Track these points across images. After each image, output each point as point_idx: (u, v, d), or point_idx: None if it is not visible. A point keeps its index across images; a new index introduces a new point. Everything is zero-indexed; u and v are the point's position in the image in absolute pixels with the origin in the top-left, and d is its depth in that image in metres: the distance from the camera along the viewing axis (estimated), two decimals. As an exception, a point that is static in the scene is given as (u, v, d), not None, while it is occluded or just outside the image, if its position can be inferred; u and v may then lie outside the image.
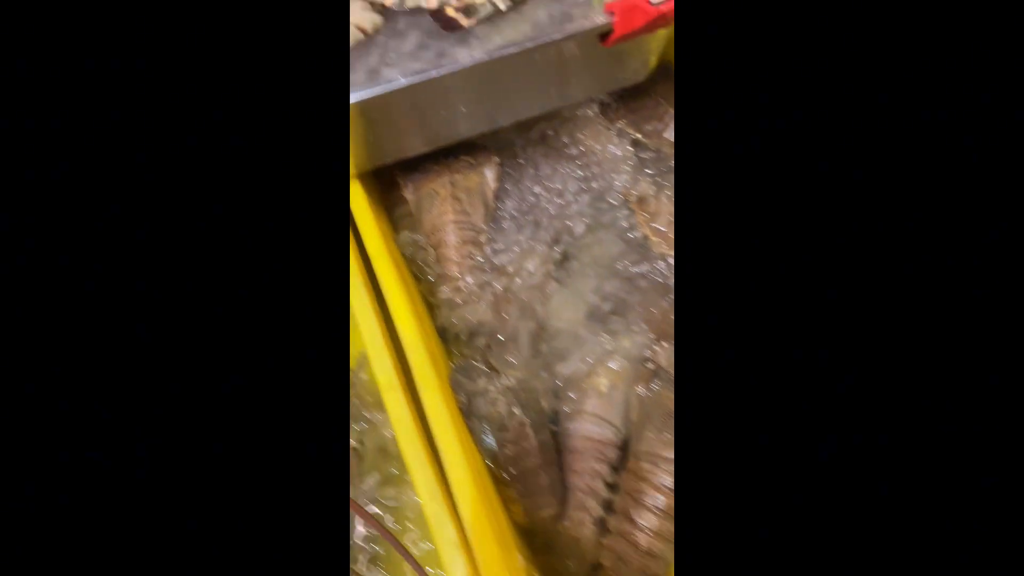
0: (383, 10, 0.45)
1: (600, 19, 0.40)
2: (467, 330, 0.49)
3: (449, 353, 0.49)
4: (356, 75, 0.42)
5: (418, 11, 0.45)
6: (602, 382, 0.45)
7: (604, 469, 0.43)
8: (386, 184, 0.54)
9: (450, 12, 0.44)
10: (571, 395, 0.45)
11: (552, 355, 0.47)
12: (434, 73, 0.39)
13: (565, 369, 0.46)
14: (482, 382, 0.44)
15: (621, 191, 0.54)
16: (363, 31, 0.44)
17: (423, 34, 0.44)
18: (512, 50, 0.40)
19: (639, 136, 0.56)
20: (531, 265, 0.50)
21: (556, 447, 0.44)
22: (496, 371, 0.45)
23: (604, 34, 0.41)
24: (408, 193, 0.53)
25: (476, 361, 0.45)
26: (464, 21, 0.44)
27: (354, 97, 0.39)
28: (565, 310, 0.49)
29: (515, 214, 0.53)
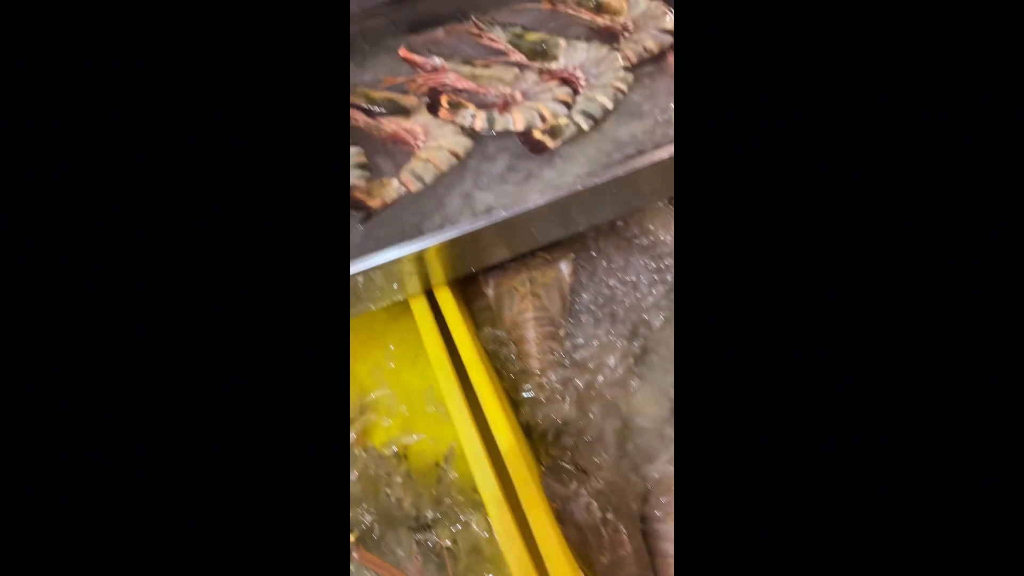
0: (473, 134, 0.48)
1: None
2: (553, 429, 0.50)
3: (536, 452, 0.50)
4: (451, 200, 0.45)
5: (506, 134, 0.48)
6: (691, 483, 0.45)
7: None
8: (467, 281, 0.57)
9: (537, 135, 0.47)
10: (661, 499, 0.45)
11: (638, 455, 0.48)
12: (519, 210, 0.42)
13: (653, 471, 0.47)
14: (573, 486, 0.46)
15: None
16: (456, 155, 0.47)
17: (511, 156, 0.47)
18: (596, 181, 0.42)
19: (708, 225, 0.58)
20: (611, 360, 0.52)
21: (649, 550, 0.45)
22: (586, 473, 0.47)
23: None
24: (488, 289, 0.56)
25: (564, 462, 0.47)
26: (550, 143, 0.47)
27: (450, 234, 0.41)
28: (648, 407, 0.50)
29: (592, 307, 0.55)
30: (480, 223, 0.41)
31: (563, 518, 0.44)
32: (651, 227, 0.59)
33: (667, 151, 0.42)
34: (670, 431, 0.48)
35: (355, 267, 0.41)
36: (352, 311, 0.46)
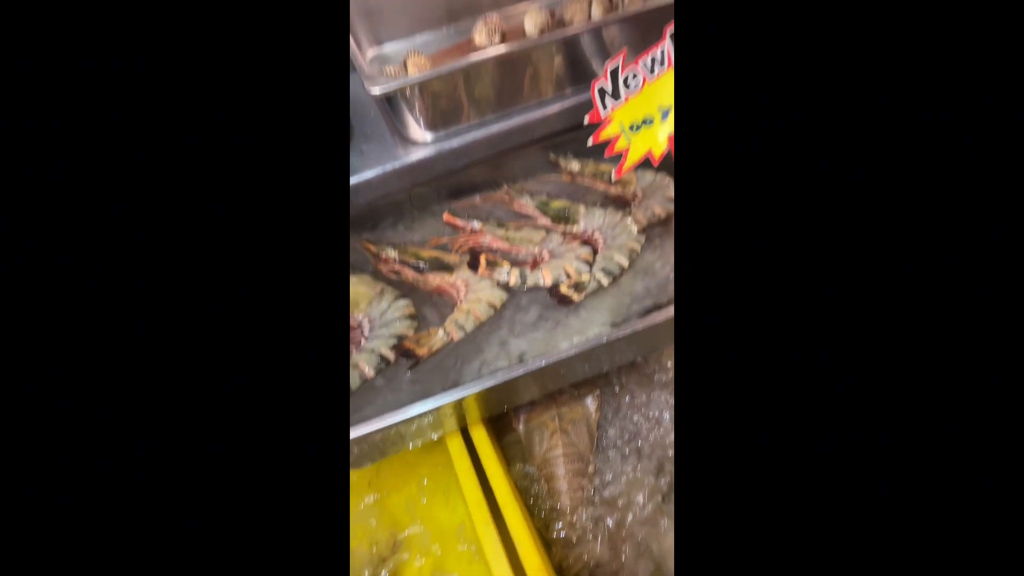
0: (508, 288, 0.55)
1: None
2: (586, 571, 0.50)
3: (570, 596, 0.50)
4: (489, 348, 0.51)
5: (536, 288, 0.55)
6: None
7: None
8: (498, 417, 0.60)
9: (563, 289, 0.54)
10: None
11: (674, 602, 0.48)
12: (552, 359, 0.47)
13: (690, 620, 0.46)
14: (610, 637, 0.45)
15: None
16: (493, 307, 0.54)
17: (541, 308, 0.53)
18: (619, 334, 0.47)
19: (723, 362, 0.62)
20: (640, 498, 0.53)
21: None
22: (621, 622, 0.46)
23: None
24: (519, 425, 0.59)
25: (599, 609, 0.47)
26: (575, 296, 0.54)
27: (488, 383, 0.46)
28: (680, 549, 0.50)
29: (618, 443, 0.58)
30: (516, 372, 0.46)
31: (601, 675, 0.43)
32: (669, 364, 0.63)
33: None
34: (704, 576, 0.48)
35: (401, 415, 0.45)
36: (392, 451, 0.50)
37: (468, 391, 0.45)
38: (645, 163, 0.52)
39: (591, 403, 0.59)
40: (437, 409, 0.45)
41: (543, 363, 0.46)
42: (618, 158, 0.48)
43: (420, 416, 0.45)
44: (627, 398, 0.61)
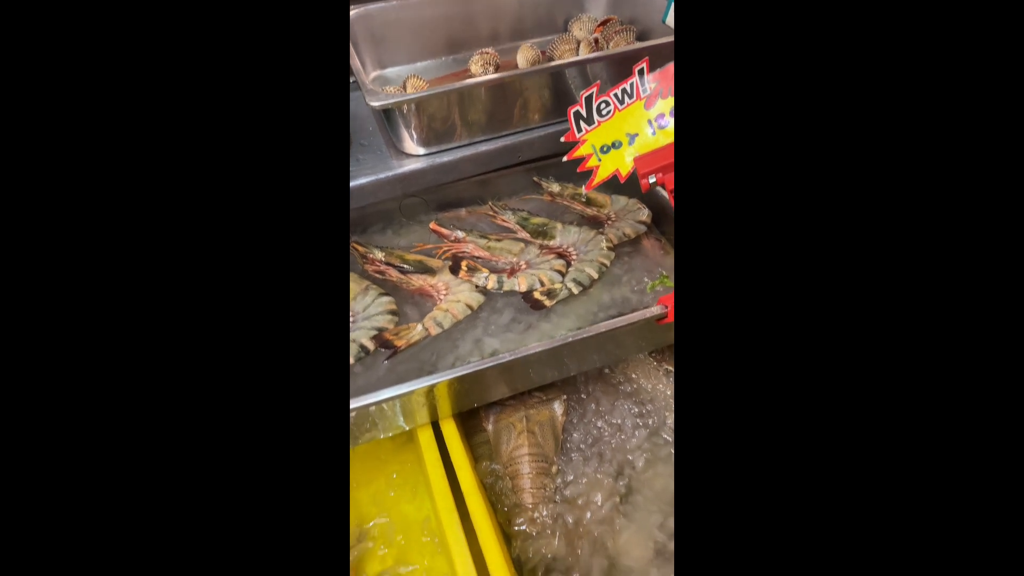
0: (485, 292, 0.59)
1: (656, 310, 0.53)
2: (543, 564, 0.52)
3: (526, 588, 0.52)
4: (464, 344, 0.54)
5: (512, 294, 0.59)
6: (675, 629, 0.47)
7: None
8: (469, 415, 0.63)
9: (537, 295, 0.58)
10: (647, 644, 0.46)
11: (625, 596, 0.50)
12: (519, 354, 0.50)
13: (639, 613, 0.48)
14: (561, 625, 0.47)
15: (672, 427, 0.61)
16: (470, 307, 0.57)
17: (515, 311, 0.57)
18: (583, 334, 0.51)
19: (684, 376, 0.66)
20: (599, 498, 0.56)
21: None
22: (573, 612, 0.48)
23: (659, 318, 0.54)
24: (488, 424, 0.62)
25: (553, 600, 0.48)
26: (547, 302, 0.58)
27: (460, 372, 0.49)
28: (634, 547, 0.53)
29: (581, 447, 0.61)
30: (486, 364, 0.49)
31: (550, 660, 0.44)
32: (634, 375, 0.67)
33: (642, 315, 0.52)
34: (655, 573, 0.51)
35: (375, 397, 0.48)
36: (365, 437, 0.52)
37: (439, 379, 0.48)
38: (619, 188, 0.57)
39: (558, 407, 0.63)
40: (409, 394, 0.48)
41: (510, 357, 0.49)
42: (589, 174, 0.53)
43: (392, 399, 0.47)
44: (592, 405, 0.65)
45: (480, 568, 0.46)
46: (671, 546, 0.53)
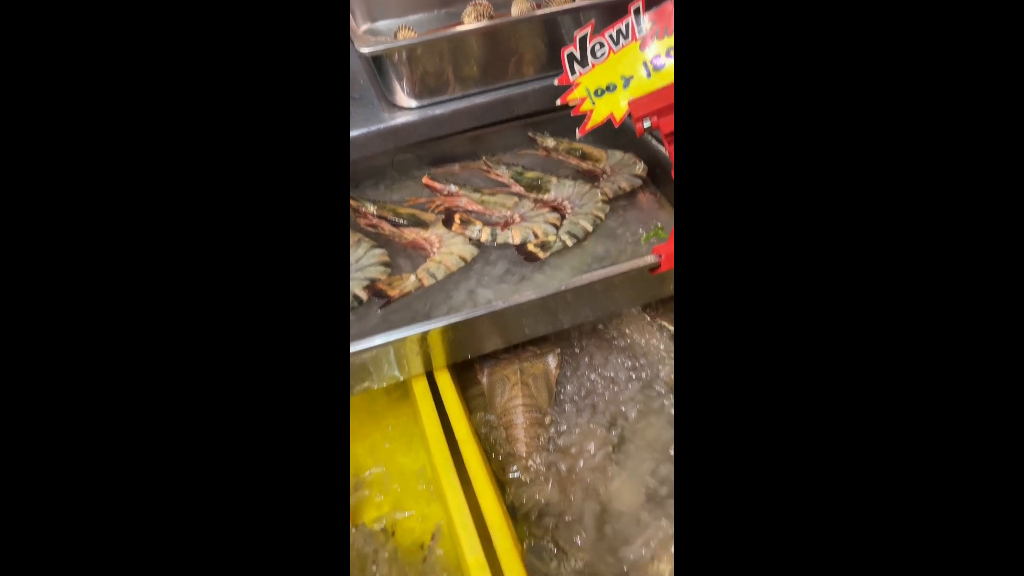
0: (479, 245, 0.59)
1: (650, 259, 0.53)
2: (536, 510, 0.53)
3: (519, 531, 0.53)
4: (458, 294, 0.54)
5: (506, 246, 0.58)
6: (665, 568, 0.48)
7: (674, 664, 0.44)
8: (464, 368, 0.63)
9: (530, 247, 0.58)
10: (637, 581, 0.48)
11: (616, 538, 0.51)
12: (512, 303, 0.50)
13: (629, 554, 0.49)
14: (553, 565, 0.48)
15: (667, 381, 0.62)
16: (464, 259, 0.57)
17: (509, 263, 0.57)
18: (576, 283, 0.51)
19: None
20: (591, 447, 0.57)
21: (625, 637, 0.46)
22: (565, 553, 0.49)
23: (652, 267, 0.54)
24: (483, 377, 0.62)
25: (546, 541, 0.50)
26: (541, 254, 0.57)
27: (453, 319, 0.49)
28: (626, 493, 0.54)
29: (575, 399, 0.61)
30: (479, 311, 0.49)
31: (542, 595, 0.46)
32: (627, 331, 0.67)
33: (635, 264, 0.52)
34: (646, 516, 0.52)
35: (369, 343, 0.48)
36: (361, 387, 0.53)
37: (432, 325, 0.48)
38: (615, 142, 0.56)
39: (552, 361, 0.63)
40: (402, 341, 0.48)
41: (503, 305, 0.49)
42: (584, 122, 0.52)
43: (386, 346, 0.47)
44: (586, 359, 0.65)
45: (475, 513, 0.47)
46: (662, 491, 0.53)
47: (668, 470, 0.55)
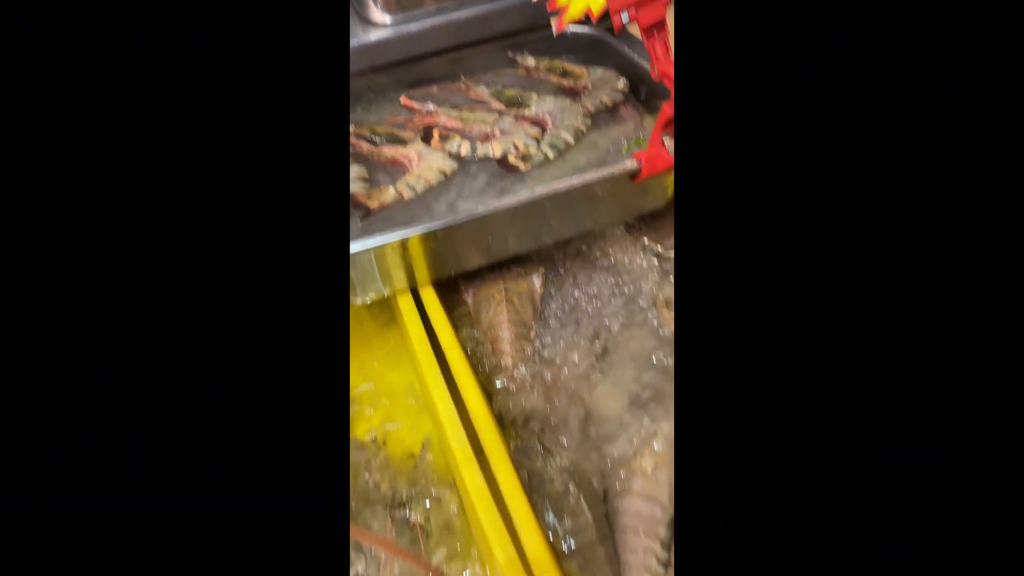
0: (459, 159, 0.58)
1: (630, 164, 0.52)
2: (522, 416, 0.55)
3: (505, 436, 0.54)
4: (438, 207, 0.54)
5: (486, 160, 0.58)
6: (647, 463, 0.50)
7: (656, 546, 0.46)
8: (449, 289, 0.64)
9: (511, 159, 0.57)
10: (620, 474, 0.49)
11: (600, 438, 0.52)
12: (491, 209, 0.50)
13: (613, 450, 0.51)
14: (539, 462, 0.50)
15: (650, 295, 0.63)
16: (444, 173, 0.56)
17: (490, 176, 0.56)
18: (557, 188, 0.51)
19: (660, 249, 0.67)
20: (575, 358, 0.58)
21: (609, 524, 0.48)
22: (551, 453, 0.51)
23: (633, 174, 0.53)
24: (468, 297, 0.63)
25: (533, 443, 0.51)
26: (522, 166, 0.57)
27: (427, 227, 0.49)
28: (609, 399, 0.55)
29: (559, 315, 0.62)
30: (461, 218, 0.49)
31: (529, 489, 0.47)
32: (611, 251, 0.68)
33: (615, 169, 0.52)
34: (628, 418, 0.53)
35: (351, 248, 0.47)
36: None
37: (413, 232, 0.48)
38: (594, 59, 0.54)
39: (536, 280, 0.63)
40: (383, 248, 0.48)
41: (484, 211, 0.49)
42: (565, 39, 0.51)
43: (367, 251, 0.47)
44: (570, 279, 0.65)
45: (463, 417, 0.48)
46: (645, 395, 0.55)
47: (651, 377, 0.57)
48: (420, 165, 0.57)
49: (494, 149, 0.58)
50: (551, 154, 0.58)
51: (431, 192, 0.55)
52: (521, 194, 0.51)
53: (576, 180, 0.51)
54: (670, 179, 0.59)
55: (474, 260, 0.58)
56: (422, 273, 0.55)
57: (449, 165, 0.57)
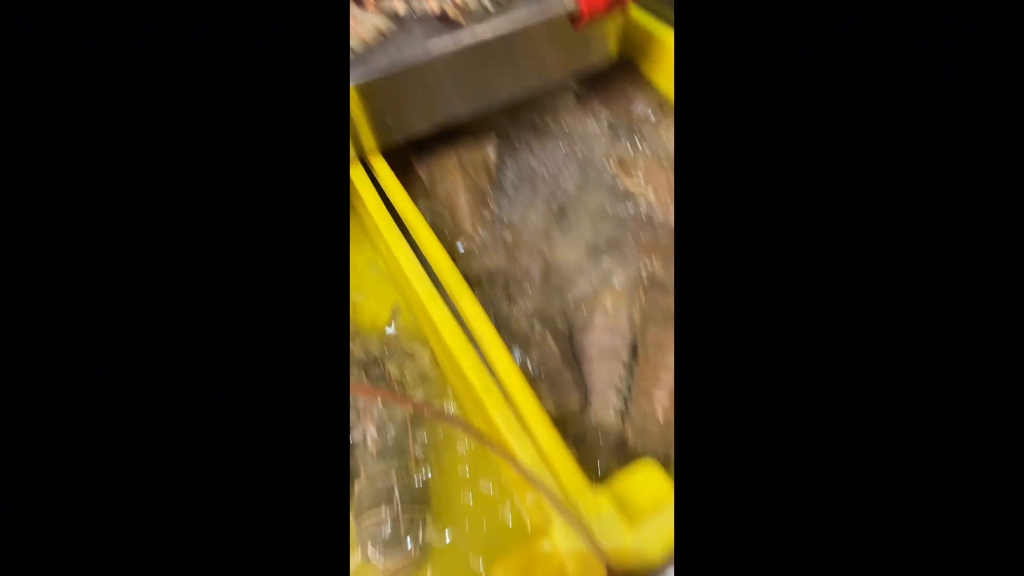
0: (397, 19, 0.55)
1: (569, 5, 0.51)
2: (486, 274, 0.56)
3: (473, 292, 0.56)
4: (377, 62, 0.52)
5: (425, 17, 0.55)
6: (607, 300, 0.52)
7: (619, 368, 0.49)
8: (402, 165, 0.63)
9: (450, 12, 0.55)
10: (583, 310, 0.52)
11: (562, 284, 0.54)
12: (432, 52, 0.49)
13: (574, 293, 0.53)
14: (505, 307, 0.51)
15: (604, 154, 0.63)
16: (381, 32, 0.54)
17: (430, 33, 0.54)
18: (498, 31, 0.50)
19: (610, 113, 0.67)
20: (534, 218, 0.59)
21: (576, 358, 0.50)
22: (515, 301, 0.52)
23: (574, 20, 0.52)
24: (422, 172, 0.62)
25: (499, 296, 0.52)
26: (462, 19, 0.55)
27: (365, 77, 0.48)
28: (568, 251, 0.57)
29: (515, 183, 0.62)
30: (395, 68, 0.47)
31: (499, 328, 0.49)
32: (563, 120, 0.67)
33: (554, 6, 0.51)
34: (588, 265, 0.55)
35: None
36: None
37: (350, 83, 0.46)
38: None
39: (490, 148, 0.63)
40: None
41: (420, 57, 0.47)
42: None
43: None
44: (525, 147, 0.65)
45: (432, 278, 0.49)
46: (602, 244, 0.57)
47: (608, 229, 0.58)
48: (355, 28, 0.54)
49: (431, 6, 0.55)
50: (491, 7, 0.55)
51: (368, 49, 0.53)
52: (456, 38, 0.50)
53: (512, 23, 0.50)
54: (612, 29, 0.58)
55: (421, 122, 0.56)
56: (368, 139, 0.54)
57: (385, 24, 0.54)
